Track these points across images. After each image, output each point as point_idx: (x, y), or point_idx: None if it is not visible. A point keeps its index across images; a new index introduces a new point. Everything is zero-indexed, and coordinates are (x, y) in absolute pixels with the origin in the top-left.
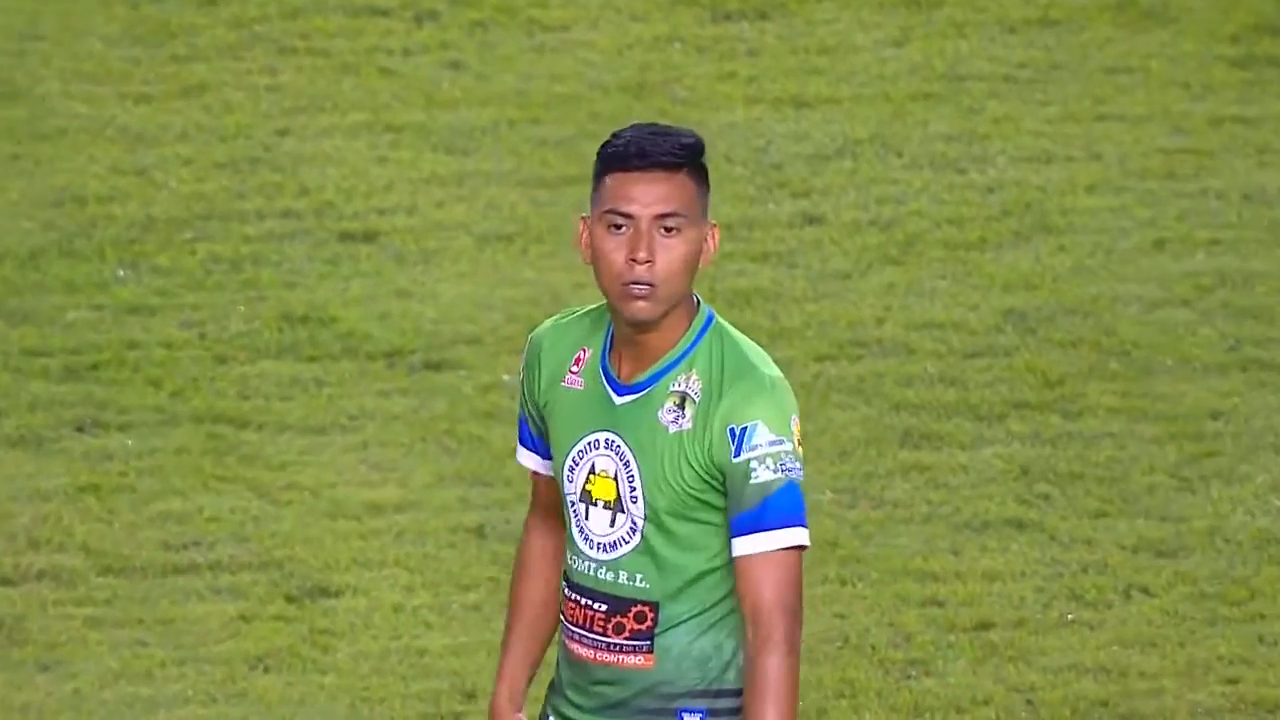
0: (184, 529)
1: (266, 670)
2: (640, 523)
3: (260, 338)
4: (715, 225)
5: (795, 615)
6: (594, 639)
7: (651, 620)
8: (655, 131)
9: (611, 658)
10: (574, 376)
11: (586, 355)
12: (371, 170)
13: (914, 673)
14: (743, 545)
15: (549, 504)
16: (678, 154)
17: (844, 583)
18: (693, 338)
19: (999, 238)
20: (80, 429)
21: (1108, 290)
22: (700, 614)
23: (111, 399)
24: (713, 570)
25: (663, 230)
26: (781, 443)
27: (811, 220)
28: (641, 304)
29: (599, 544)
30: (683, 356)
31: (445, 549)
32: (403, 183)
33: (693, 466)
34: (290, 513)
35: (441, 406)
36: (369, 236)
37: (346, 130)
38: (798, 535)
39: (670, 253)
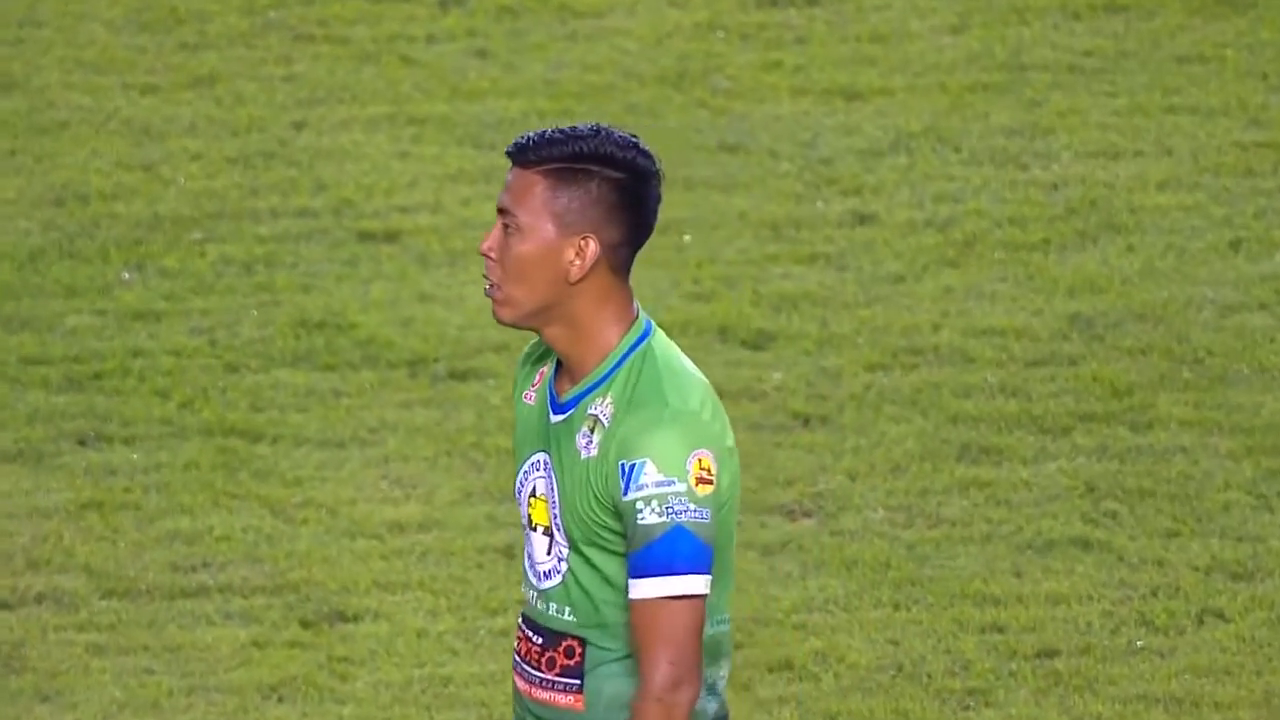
0: (193, 549)
1: (281, 700)
2: (565, 551)
3: (274, 345)
4: (588, 237)
5: (681, 667)
6: (530, 672)
7: (580, 656)
8: (552, 129)
9: (545, 695)
10: (531, 392)
11: (545, 370)
12: (393, 166)
13: (972, 703)
14: (632, 588)
15: None
16: (532, 152)
17: (898, 607)
18: (617, 358)
19: (1063, 238)
20: (82, 442)
21: (1180, 294)
22: (629, 655)
23: (115, 410)
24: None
25: (504, 228)
26: (671, 484)
27: (863, 220)
28: (495, 304)
29: (540, 572)
30: (605, 377)
31: (472, 570)
32: (426, 179)
33: (597, 496)
34: (306, 532)
35: (467, 418)
36: (390, 236)
37: (366, 123)
38: (682, 584)
39: (507, 252)
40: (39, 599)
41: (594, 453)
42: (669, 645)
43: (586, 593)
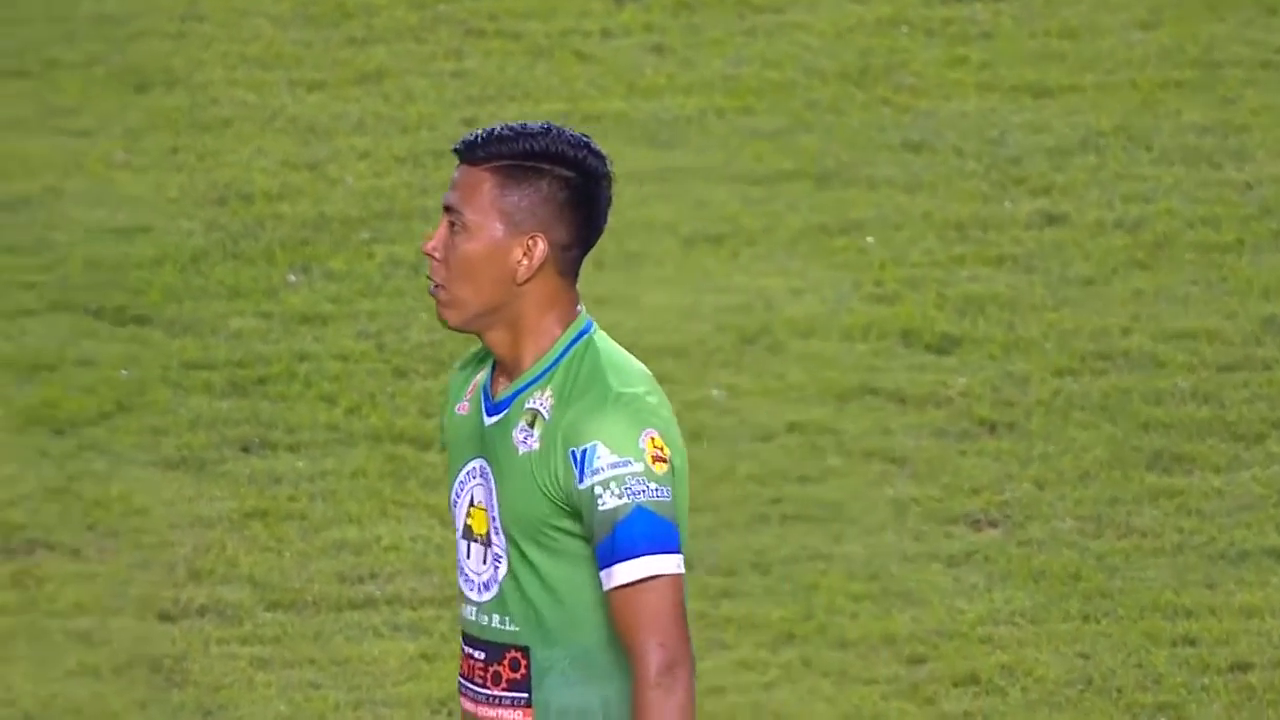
0: (360, 560)
1: (450, 715)
2: (504, 557)
3: (443, 349)
4: (536, 236)
5: (671, 648)
6: (474, 690)
7: (525, 668)
8: (501, 125)
9: (491, 712)
10: (465, 402)
11: (479, 378)
12: None
13: (1163, 718)
14: (605, 579)
15: None
16: (481, 149)
17: (1087, 619)
18: (558, 352)
19: (1257, 239)
20: (246, 449)
21: None
22: (576, 660)
23: (280, 416)
24: (583, 608)
25: (450, 226)
26: (627, 464)
27: (1052, 220)
28: (439, 306)
29: (477, 585)
30: (545, 372)
31: None
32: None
33: (543, 492)
34: None
35: None
36: None
37: (539, 120)
38: (654, 564)
39: (453, 252)
40: (202, 611)
41: (535, 446)
42: (654, 629)
43: (527, 599)
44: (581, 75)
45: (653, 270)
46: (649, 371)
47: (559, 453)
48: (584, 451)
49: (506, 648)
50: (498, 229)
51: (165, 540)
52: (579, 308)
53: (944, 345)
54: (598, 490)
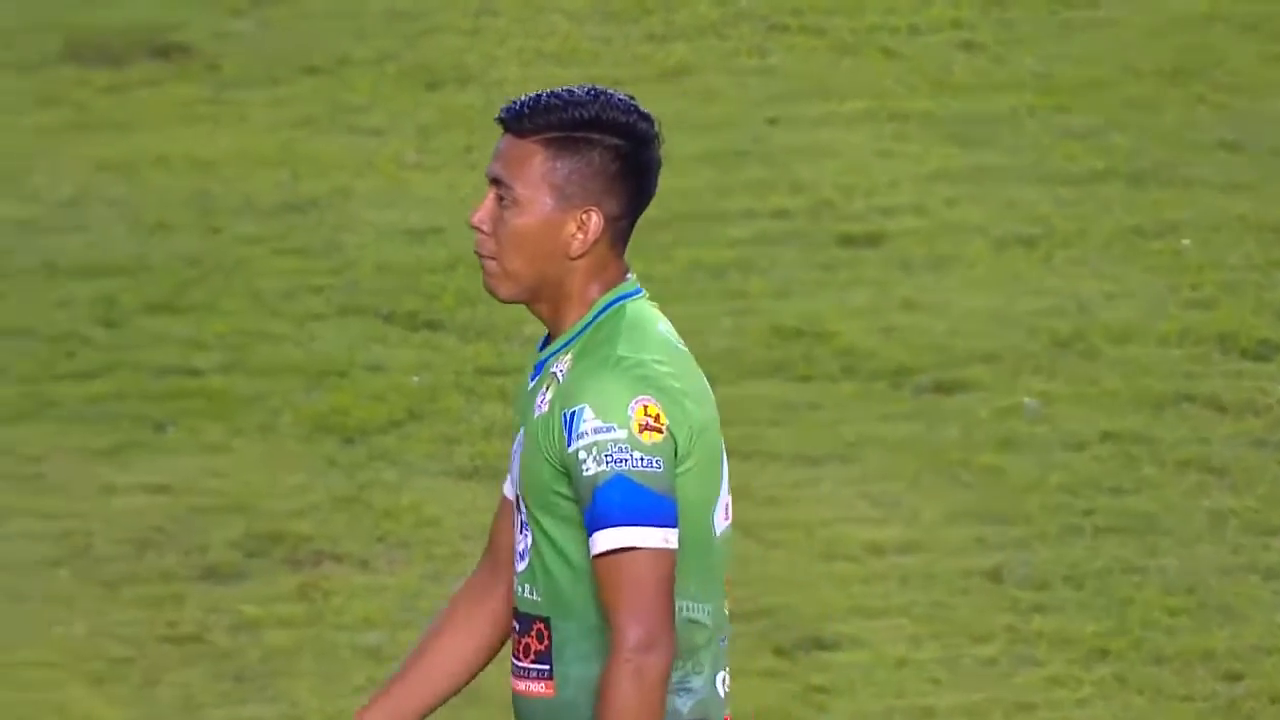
0: None
1: None
2: (529, 526)
3: (747, 354)
4: (590, 210)
5: (648, 626)
6: (513, 664)
7: (548, 640)
8: (547, 93)
9: (521, 685)
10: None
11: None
12: (873, 165)
13: None
14: (590, 547)
15: (493, 543)
16: (528, 120)
17: None
18: (590, 317)
19: None
20: None
21: None
22: (590, 633)
23: None
24: (591, 579)
25: (498, 199)
26: (610, 429)
27: None
28: (488, 278)
29: (516, 554)
30: (575, 337)
31: (956, 595)
32: (908, 179)
33: (544, 455)
34: (781, 554)
35: (952, 433)
36: (871, 240)
37: (845, 119)
38: (631, 535)
39: (502, 226)
40: None
41: (545, 409)
42: (631, 602)
43: (548, 569)
44: (888, 72)
45: (963, 273)
46: (679, 343)
47: (556, 414)
48: (573, 414)
49: (534, 619)
50: (548, 203)
51: (458, 552)
52: (628, 275)
53: (1263, 352)
54: (581, 455)
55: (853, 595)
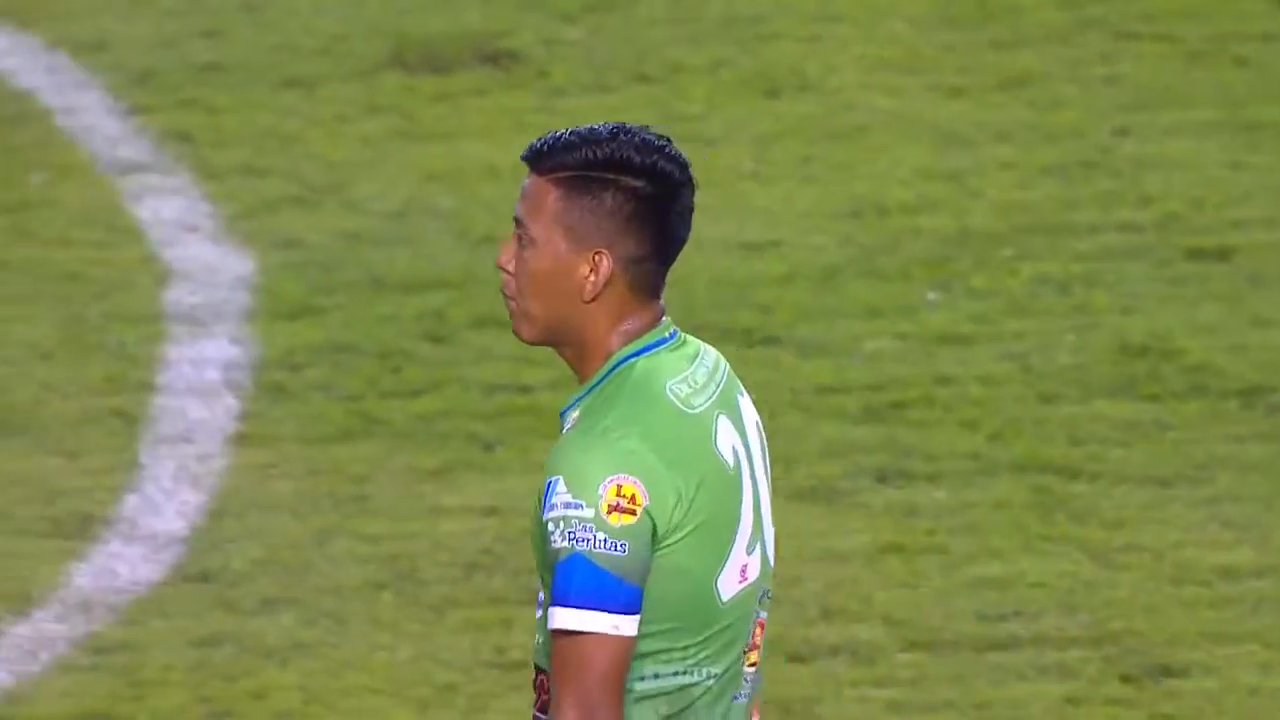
0: (1003, 596)
1: None
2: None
3: (1093, 372)
4: (601, 252)
5: (582, 708)
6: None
7: (546, 690)
8: (569, 131)
9: None
10: None
11: None
12: (1225, 177)
13: None
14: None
15: None
16: (546, 158)
17: None
18: (603, 373)
19: None
20: (882, 479)
21: None
22: None
23: (919, 444)
24: None
25: (518, 240)
26: (579, 506)
27: None
28: (511, 318)
29: (538, 602)
30: (587, 392)
31: None
32: (1262, 191)
33: (533, 515)
34: (1127, 578)
35: None
36: (1222, 254)
37: (1195, 129)
38: (580, 619)
39: (522, 266)
40: (834, 651)
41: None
42: (572, 684)
43: (543, 621)
44: (1241, 81)
45: None
46: (693, 398)
47: (544, 476)
48: (550, 483)
49: (539, 670)
50: (561, 245)
51: (795, 576)
52: (663, 320)
53: None
54: (550, 526)
55: (1203, 621)
